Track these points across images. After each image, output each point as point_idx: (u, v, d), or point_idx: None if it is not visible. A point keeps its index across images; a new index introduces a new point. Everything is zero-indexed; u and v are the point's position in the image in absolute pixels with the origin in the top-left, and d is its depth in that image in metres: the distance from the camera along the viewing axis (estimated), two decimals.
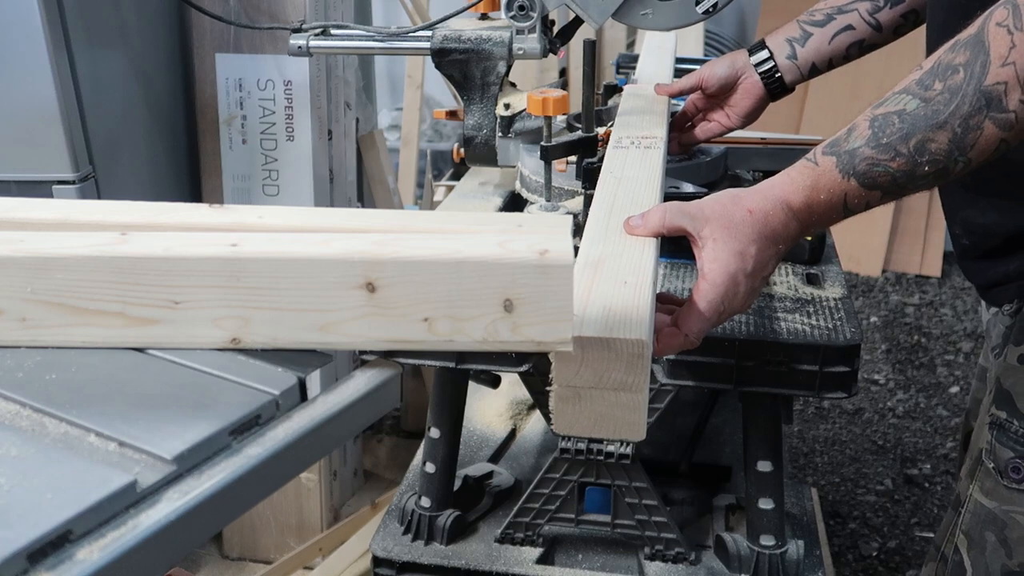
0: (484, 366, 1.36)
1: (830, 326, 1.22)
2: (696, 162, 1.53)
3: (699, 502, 1.57)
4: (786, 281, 1.35)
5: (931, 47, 1.24)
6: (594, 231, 0.93)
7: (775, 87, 1.49)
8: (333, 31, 1.66)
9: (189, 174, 2.11)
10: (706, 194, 1.39)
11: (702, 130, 1.55)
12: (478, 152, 1.63)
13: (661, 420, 1.35)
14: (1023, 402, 1.13)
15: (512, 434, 1.80)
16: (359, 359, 0.88)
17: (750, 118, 1.53)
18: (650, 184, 1.07)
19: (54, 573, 0.58)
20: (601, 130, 1.50)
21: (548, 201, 1.47)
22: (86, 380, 0.77)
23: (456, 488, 1.54)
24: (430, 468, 1.49)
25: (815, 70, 1.48)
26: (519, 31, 1.52)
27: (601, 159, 1.39)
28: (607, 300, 0.77)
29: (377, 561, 1.49)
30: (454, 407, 1.49)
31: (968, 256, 1.23)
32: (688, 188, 1.40)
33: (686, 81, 1.54)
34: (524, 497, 1.44)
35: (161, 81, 2.00)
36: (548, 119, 1.40)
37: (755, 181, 1.64)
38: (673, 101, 1.59)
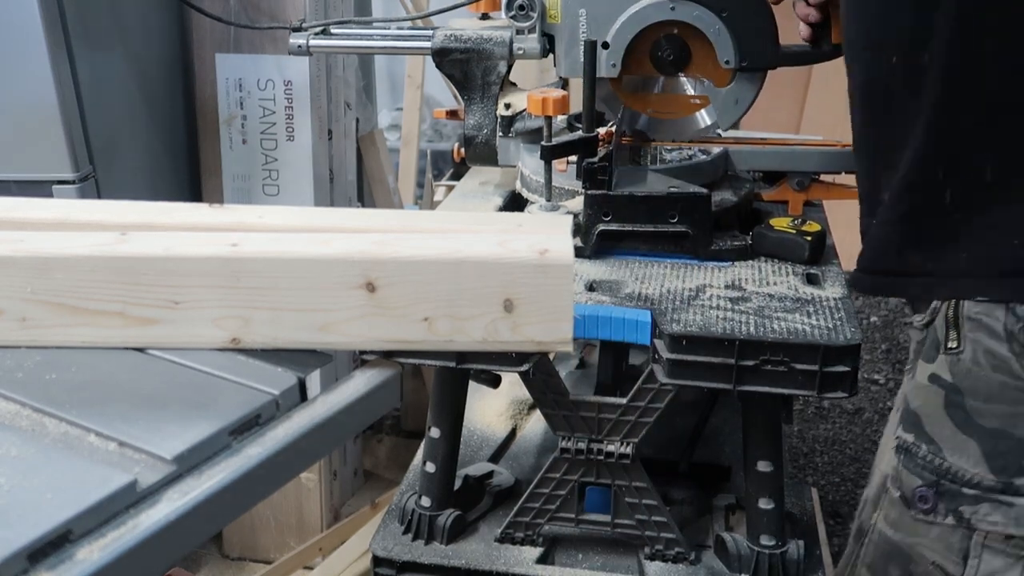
0: (484, 366, 1.36)
1: (830, 326, 1.21)
2: (696, 162, 1.53)
3: (699, 502, 1.57)
4: (786, 281, 1.35)
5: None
6: None
7: None
8: (334, 30, 1.66)
9: (189, 174, 2.11)
10: (707, 195, 1.40)
11: None
12: (478, 152, 1.63)
13: (661, 420, 1.35)
14: (931, 425, 1.04)
15: (512, 434, 1.80)
16: (359, 359, 0.88)
17: None
18: None
19: (54, 573, 0.58)
20: (602, 130, 1.50)
21: (548, 201, 1.47)
22: (86, 380, 0.77)
23: (456, 488, 1.54)
24: (430, 468, 1.49)
25: None
26: (519, 31, 1.52)
27: (602, 159, 1.39)
28: None
29: (377, 561, 1.49)
30: (454, 407, 1.49)
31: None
32: (689, 188, 1.40)
33: None
34: (524, 497, 1.43)
35: (161, 81, 2.00)
36: (548, 119, 1.40)
37: (755, 181, 1.65)
38: None
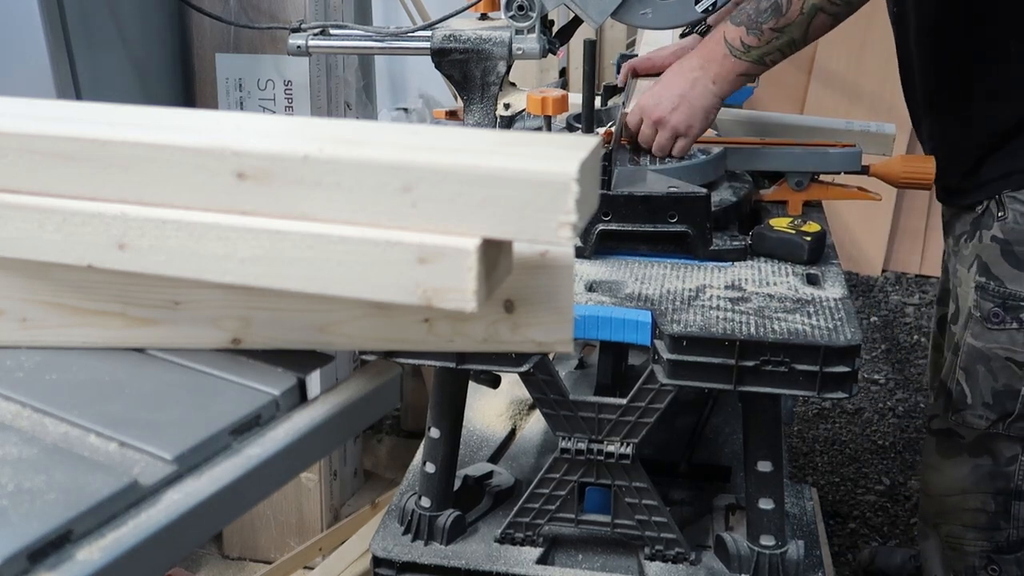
0: (484, 366, 1.36)
1: (830, 326, 1.22)
2: (695, 162, 1.53)
3: (699, 502, 1.57)
4: (786, 281, 1.35)
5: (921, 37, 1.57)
6: None
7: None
8: (332, 31, 1.66)
9: None
10: (707, 195, 1.40)
11: None
12: None
13: (661, 420, 1.35)
14: (996, 268, 1.59)
15: (512, 434, 1.80)
16: (359, 359, 0.88)
17: None
18: None
19: (55, 573, 0.58)
20: (601, 130, 1.50)
21: None
22: (86, 380, 0.77)
23: (456, 488, 1.54)
24: (430, 468, 1.49)
25: None
26: (518, 31, 1.52)
27: (601, 159, 1.39)
28: None
29: (377, 561, 1.49)
30: (454, 407, 1.49)
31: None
32: (689, 188, 1.40)
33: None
34: (524, 497, 1.43)
35: (161, 81, 2.00)
36: (548, 119, 1.40)
37: (754, 181, 1.65)
38: None
